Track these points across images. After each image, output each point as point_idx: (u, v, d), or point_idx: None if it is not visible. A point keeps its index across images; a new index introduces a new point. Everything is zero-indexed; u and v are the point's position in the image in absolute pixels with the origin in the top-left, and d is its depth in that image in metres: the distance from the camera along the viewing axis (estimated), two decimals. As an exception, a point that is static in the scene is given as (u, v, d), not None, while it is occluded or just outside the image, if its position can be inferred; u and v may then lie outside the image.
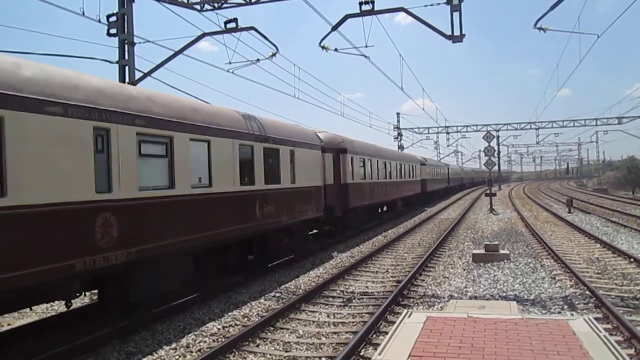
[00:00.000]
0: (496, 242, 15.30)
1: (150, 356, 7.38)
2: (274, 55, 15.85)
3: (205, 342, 7.99)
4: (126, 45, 13.92)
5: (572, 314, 8.54)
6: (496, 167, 49.82)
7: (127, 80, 13.83)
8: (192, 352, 7.57)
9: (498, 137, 55.66)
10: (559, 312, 8.98)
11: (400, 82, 24.10)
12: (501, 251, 14.55)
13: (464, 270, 13.18)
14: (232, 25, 14.45)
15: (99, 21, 13.20)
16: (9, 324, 9.27)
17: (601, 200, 42.19)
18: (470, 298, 10.25)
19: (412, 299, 10.41)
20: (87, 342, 7.70)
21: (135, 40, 14.04)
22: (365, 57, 16.79)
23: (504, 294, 10.46)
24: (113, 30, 13.90)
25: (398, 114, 55.59)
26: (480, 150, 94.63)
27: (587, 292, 10.12)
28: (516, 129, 57.26)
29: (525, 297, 10.21)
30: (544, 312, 9.04)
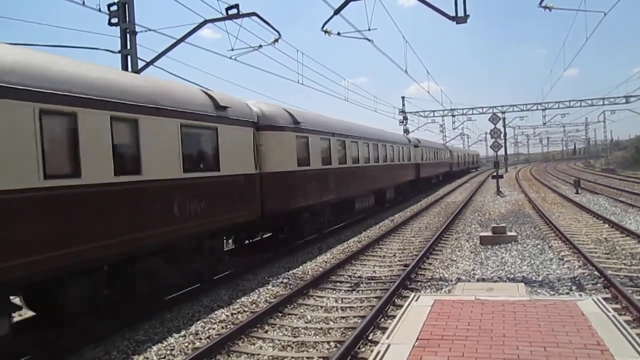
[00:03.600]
0: (503, 224, 15.26)
1: (159, 344, 7.43)
2: (276, 41, 15.72)
3: (214, 329, 8.04)
4: (128, 35, 13.87)
5: (581, 295, 8.51)
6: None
7: (129, 69, 13.79)
8: (201, 339, 7.62)
9: (504, 118, 55.26)
10: (568, 293, 8.94)
11: (404, 65, 23.91)
12: (509, 233, 14.51)
13: (472, 252, 13.16)
14: (233, 11, 14.31)
15: (100, 10, 13.11)
16: (20, 315, 9.35)
17: (609, 180, 41.91)
18: (478, 280, 10.23)
19: (419, 283, 10.41)
20: (97, 331, 7.76)
21: (137, 29, 13.98)
22: (369, 40, 16.66)
23: (512, 276, 10.44)
24: (114, 20, 13.84)
25: (403, 97, 55.21)
26: (486, 133, 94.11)
27: (596, 272, 10.08)
28: (522, 110, 56.70)
29: (533, 278, 10.19)
30: (552, 293, 9.01)
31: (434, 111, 58.30)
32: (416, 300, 7.58)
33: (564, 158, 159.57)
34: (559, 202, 25.25)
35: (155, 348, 7.27)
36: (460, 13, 12.69)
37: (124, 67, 13.82)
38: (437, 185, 43.75)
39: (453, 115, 59.89)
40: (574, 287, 9.34)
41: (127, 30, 13.84)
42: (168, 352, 7.12)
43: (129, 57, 13.93)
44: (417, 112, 57.71)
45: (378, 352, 5.50)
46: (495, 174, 34.48)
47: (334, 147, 17.52)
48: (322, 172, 16.36)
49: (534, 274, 10.56)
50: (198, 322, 8.35)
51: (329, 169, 16.93)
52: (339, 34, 15.36)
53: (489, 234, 14.46)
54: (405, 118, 53.90)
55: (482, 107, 57.02)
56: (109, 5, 13.75)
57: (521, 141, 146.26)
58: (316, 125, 16.22)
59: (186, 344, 7.42)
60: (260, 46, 16.14)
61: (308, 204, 15.03)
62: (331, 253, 14.26)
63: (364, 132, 21.84)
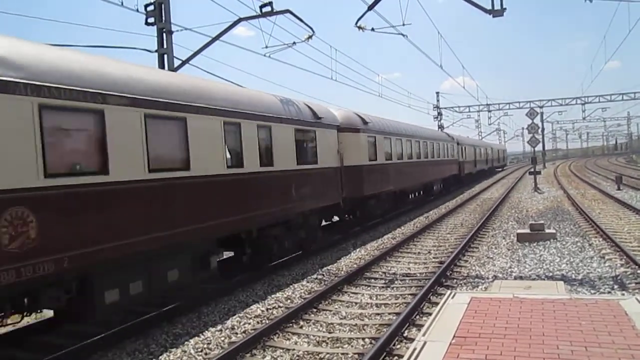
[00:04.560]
0: (541, 221, 14.94)
1: (196, 337, 7.56)
2: (310, 37, 15.72)
3: (249, 324, 8.13)
4: (164, 34, 14.11)
5: (623, 294, 8.27)
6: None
7: (166, 68, 14.03)
8: (237, 333, 7.72)
9: (542, 113, 54.11)
10: (609, 292, 8.71)
11: (439, 60, 23.67)
12: (547, 230, 14.20)
13: (509, 250, 12.94)
14: (267, 9, 14.40)
15: (137, 10, 13.38)
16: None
17: (652, 176, 40.54)
18: (516, 278, 10.06)
19: (455, 280, 10.30)
20: (136, 324, 7.95)
21: (173, 28, 14.21)
22: (403, 35, 16.54)
23: (551, 274, 10.22)
24: (151, 20, 14.11)
25: (437, 93, 54.61)
26: (523, 128, 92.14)
27: (639, 271, 9.78)
28: (561, 105, 55.44)
29: (573, 277, 9.95)
30: (593, 292, 8.79)
31: (469, 106, 57.52)
32: (452, 297, 7.49)
33: (604, 153, 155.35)
34: (599, 198, 24.56)
35: (192, 341, 7.40)
36: (497, 6, 12.50)
37: (161, 66, 14.08)
38: (473, 180, 43.21)
39: (489, 111, 59.04)
40: (616, 286, 9.09)
41: (164, 30, 14.09)
42: (205, 346, 7.24)
43: (165, 56, 14.18)
44: (452, 107, 57.04)
45: (414, 349, 5.46)
46: (532, 170, 33.79)
47: (393, 145, 20.70)
48: (385, 166, 19.41)
49: (574, 272, 10.32)
50: (234, 317, 8.46)
51: (390, 163, 20.00)
52: (372, 29, 15.30)
53: (527, 231, 14.18)
54: (440, 114, 53.32)
55: (519, 102, 56.05)
56: (146, 6, 14.03)
57: (559, 136, 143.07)
58: (380, 127, 19.33)
59: (222, 338, 7.52)
60: (294, 43, 16.20)
61: (374, 192, 18.15)
62: (365, 249, 14.23)
63: (415, 132, 25.23)
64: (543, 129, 57.60)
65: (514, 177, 50.24)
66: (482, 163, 49.35)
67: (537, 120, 33.80)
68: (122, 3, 12.44)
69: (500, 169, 69.59)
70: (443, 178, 31.42)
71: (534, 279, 9.84)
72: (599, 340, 5.36)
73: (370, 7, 13.77)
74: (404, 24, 15.21)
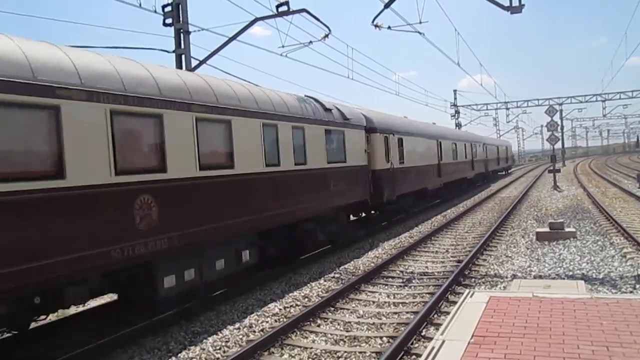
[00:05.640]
0: (561, 220, 14.75)
1: (215, 335, 7.61)
2: (326, 36, 15.72)
3: (267, 322, 8.17)
4: (182, 34, 14.22)
5: (646, 293, 8.15)
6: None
7: (184, 68, 14.14)
8: (254, 331, 7.76)
9: (561, 111, 53.40)
10: (631, 292, 8.58)
11: (456, 58, 23.50)
12: (567, 229, 14.03)
13: (527, 249, 12.81)
14: (283, 8, 14.44)
15: (155, 11, 13.50)
16: (83, 305, 9.79)
17: (675, 173, 39.78)
18: (535, 277, 9.96)
19: (473, 279, 10.23)
20: (155, 322, 8.03)
21: (190, 28, 14.32)
22: (420, 33, 16.47)
23: (571, 273, 10.10)
24: (169, 20, 14.23)
25: (455, 90, 54.29)
26: (542, 126, 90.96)
27: (662, 270, 9.62)
28: (581, 102, 54.68)
29: (594, 276, 9.82)
30: (614, 291, 8.66)
31: (486, 104, 57.04)
32: (471, 296, 7.44)
33: (625, 151, 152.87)
34: (620, 196, 24.18)
35: (210, 339, 7.46)
36: (515, 3, 12.37)
37: (178, 66, 14.19)
38: (490, 179, 42.80)
39: (507, 108, 58.48)
40: (638, 285, 8.95)
41: (181, 30, 14.20)
42: (223, 344, 7.29)
43: (183, 57, 14.30)
44: (469, 105, 56.64)
45: (432, 348, 5.44)
46: (552, 168, 33.39)
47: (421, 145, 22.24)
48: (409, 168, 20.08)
49: (595, 271, 10.18)
50: (252, 315, 8.51)
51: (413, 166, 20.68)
52: (389, 28, 15.26)
53: (546, 229, 14.03)
54: (457, 112, 52.95)
55: (538, 99, 55.41)
56: (164, 7, 14.15)
57: (579, 134, 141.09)
58: (404, 128, 20.34)
59: (240, 336, 7.57)
60: (311, 42, 16.21)
61: (405, 192, 19.38)
62: (382, 248, 14.20)
63: (439, 132, 26.45)
64: (562, 127, 56.88)
65: (532, 175, 49.70)
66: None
67: (557, 117, 33.38)
68: (140, 4, 12.56)
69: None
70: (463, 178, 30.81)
71: (553, 278, 9.73)
72: (620, 340, 5.29)
73: (387, 6, 13.74)
74: (420, 22, 15.16)
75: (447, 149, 27.16)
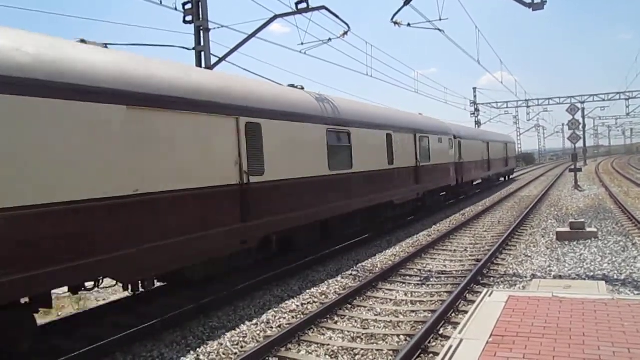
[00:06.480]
0: (582, 220, 14.55)
1: (233, 331, 7.67)
2: (345, 34, 15.67)
3: (284, 318, 8.20)
4: (201, 32, 14.31)
5: (669, 295, 8.00)
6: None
7: (203, 65, 14.23)
8: (272, 327, 7.80)
9: (583, 109, 52.66)
10: (654, 293, 8.44)
11: (476, 56, 23.31)
12: (588, 229, 13.83)
13: (547, 249, 12.66)
14: (303, 5, 14.42)
15: (175, 9, 13.61)
16: (103, 299, 9.94)
17: (701, 174, 38.96)
18: (555, 277, 9.84)
19: (492, 278, 10.14)
20: (174, 316, 8.12)
21: (210, 26, 14.39)
22: (440, 30, 16.33)
23: (592, 274, 9.96)
24: (189, 18, 14.33)
25: (474, 88, 53.89)
26: (563, 124, 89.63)
27: (686, 271, 9.44)
28: (603, 100, 53.84)
29: (615, 277, 9.67)
30: (636, 292, 8.52)
31: (507, 102, 56.47)
32: (489, 295, 7.40)
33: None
34: (644, 197, 23.76)
35: (228, 335, 7.51)
36: (537, -1, 12.20)
37: (198, 64, 14.29)
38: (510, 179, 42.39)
39: (528, 107, 57.74)
40: (661, 287, 8.79)
41: (201, 28, 14.29)
42: (241, 339, 7.34)
43: (202, 54, 14.39)
44: (489, 103, 56.08)
45: (450, 347, 5.42)
46: (573, 167, 32.93)
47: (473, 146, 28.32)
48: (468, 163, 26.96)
49: (616, 272, 10.03)
50: (269, 311, 8.55)
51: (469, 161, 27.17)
52: (409, 25, 15.14)
53: (567, 229, 13.84)
54: (477, 110, 52.49)
55: (560, 98, 54.63)
56: (184, 4, 14.25)
57: (602, 133, 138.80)
58: (468, 133, 28.10)
59: (258, 332, 7.61)
60: (330, 39, 16.17)
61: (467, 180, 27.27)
62: (400, 246, 14.15)
63: (486, 135, 32.87)
64: (584, 125, 56.02)
65: (553, 174, 49.08)
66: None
67: (578, 116, 32.91)
68: (160, 2, 12.66)
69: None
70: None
71: (574, 279, 9.61)
72: (642, 342, 5.21)
73: (407, 3, 13.67)
74: (440, 19, 15.06)
75: (494, 148, 34.57)
